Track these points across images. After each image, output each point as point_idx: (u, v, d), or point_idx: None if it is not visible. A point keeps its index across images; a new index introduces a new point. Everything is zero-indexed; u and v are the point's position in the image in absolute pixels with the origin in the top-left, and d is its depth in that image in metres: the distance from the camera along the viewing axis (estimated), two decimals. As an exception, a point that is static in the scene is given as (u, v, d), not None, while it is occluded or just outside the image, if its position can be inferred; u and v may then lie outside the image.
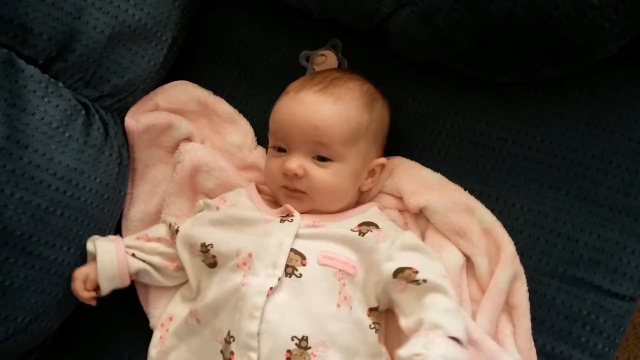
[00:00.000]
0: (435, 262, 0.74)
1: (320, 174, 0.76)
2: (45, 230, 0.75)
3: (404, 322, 0.69)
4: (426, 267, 0.71)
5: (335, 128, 0.75)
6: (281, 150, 0.79)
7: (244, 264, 0.73)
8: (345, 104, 0.77)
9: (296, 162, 0.75)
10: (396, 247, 0.73)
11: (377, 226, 0.75)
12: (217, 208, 0.80)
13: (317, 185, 0.76)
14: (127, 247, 0.81)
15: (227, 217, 0.77)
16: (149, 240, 0.82)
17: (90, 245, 0.79)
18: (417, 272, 0.69)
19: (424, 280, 0.68)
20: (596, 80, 0.83)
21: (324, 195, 0.77)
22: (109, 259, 0.78)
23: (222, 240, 0.76)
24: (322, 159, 0.76)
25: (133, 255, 0.80)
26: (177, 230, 0.80)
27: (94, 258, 0.79)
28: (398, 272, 0.70)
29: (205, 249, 0.77)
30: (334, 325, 0.69)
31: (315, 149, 0.76)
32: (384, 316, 0.76)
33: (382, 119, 0.83)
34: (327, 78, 0.79)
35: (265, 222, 0.76)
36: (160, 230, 0.83)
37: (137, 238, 0.83)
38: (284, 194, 0.78)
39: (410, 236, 0.76)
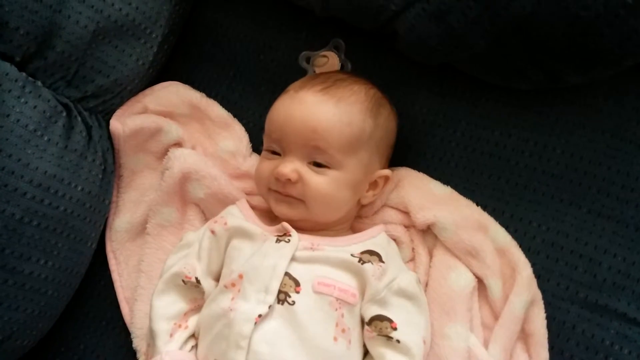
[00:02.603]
0: (424, 320, 0.71)
1: (316, 180, 0.71)
2: (19, 242, 0.72)
3: None
4: (409, 324, 0.68)
5: (334, 132, 0.71)
6: (275, 153, 0.75)
7: (233, 285, 0.69)
8: (347, 107, 0.73)
9: (290, 167, 0.71)
10: (392, 288, 0.69)
11: (379, 258, 0.71)
12: (212, 232, 0.75)
13: (312, 193, 0.71)
14: (184, 342, 0.70)
15: (228, 231, 0.74)
16: (180, 326, 0.72)
17: None
18: (395, 328, 0.66)
19: (398, 341, 0.66)
20: (622, 88, 0.79)
21: (319, 205, 0.72)
22: None
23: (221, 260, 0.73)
24: (318, 165, 0.72)
25: (193, 347, 0.71)
26: (198, 280, 0.72)
27: None
28: (374, 320, 0.67)
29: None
30: None
31: (311, 153, 0.72)
32: None
33: (388, 127, 0.78)
34: (331, 78, 0.76)
35: (262, 240, 0.72)
36: (177, 304, 0.73)
37: (171, 335, 0.71)
38: (274, 198, 0.74)
39: (410, 281, 0.71)
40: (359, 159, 0.73)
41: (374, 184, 0.77)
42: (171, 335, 0.70)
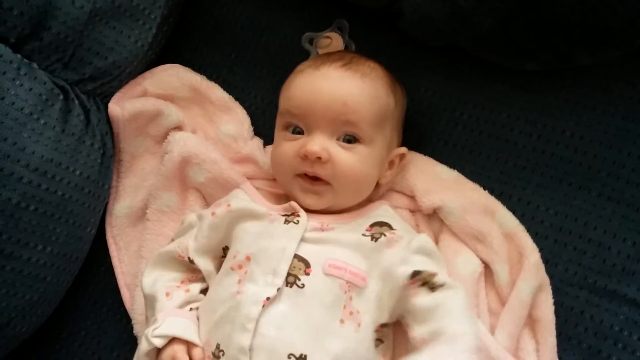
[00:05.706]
0: (446, 271, 0.71)
1: (347, 158, 0.70)
2: (16, 227, 0.72)
3: (417, 331, 0.64)
4: (441, 272, 0.68)
5: (365, 105, 0.70)
6: (296, 132, 0.72)
7: (240, 267, 0.67)
8: (372, 82, 0.72)
9: (319, 144, 0.69)
10: (411, 249, 0.69)
11: (390, 227, 0.71)
12: (213, 214, 0.73)
13: (343, 172, 0.70)
14: (184, 303, 0.69)
15: (231, 213, 0.72)
16: (179, 287, 0.71)
17: (161, 331, 0.65)
18: (435, 274, 0.66)
19: (442, 285, 0.65)
20: (633, 68, 0.78)
21: (350, 185, 0.71)
22: (190, 331, 0.66)
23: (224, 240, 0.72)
24: (348, 140, 0.71)
25: (190, 309, 0.69)
26: (190, 259, 0.72)
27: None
28: (416, 274, 0.66)
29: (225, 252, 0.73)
30: (336, 344, 0.63)
31: (340, 128, 0.70)
32: (392, 330, 0.71)
33: (403, 104, 0.79)
34: (347, 55, 0.75)
35: (270, 220, 0.70)
36: (172, 273, 0.73)
37: (168, 294, 0.69)
38: (300, 187, 0.72)
39: (426, 239, 0.72)
40: (384, 134, 0.73)
41: (391, 163, 0.76)
42: (167, 295, 0.69)
